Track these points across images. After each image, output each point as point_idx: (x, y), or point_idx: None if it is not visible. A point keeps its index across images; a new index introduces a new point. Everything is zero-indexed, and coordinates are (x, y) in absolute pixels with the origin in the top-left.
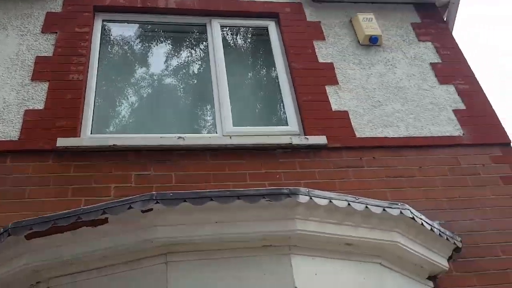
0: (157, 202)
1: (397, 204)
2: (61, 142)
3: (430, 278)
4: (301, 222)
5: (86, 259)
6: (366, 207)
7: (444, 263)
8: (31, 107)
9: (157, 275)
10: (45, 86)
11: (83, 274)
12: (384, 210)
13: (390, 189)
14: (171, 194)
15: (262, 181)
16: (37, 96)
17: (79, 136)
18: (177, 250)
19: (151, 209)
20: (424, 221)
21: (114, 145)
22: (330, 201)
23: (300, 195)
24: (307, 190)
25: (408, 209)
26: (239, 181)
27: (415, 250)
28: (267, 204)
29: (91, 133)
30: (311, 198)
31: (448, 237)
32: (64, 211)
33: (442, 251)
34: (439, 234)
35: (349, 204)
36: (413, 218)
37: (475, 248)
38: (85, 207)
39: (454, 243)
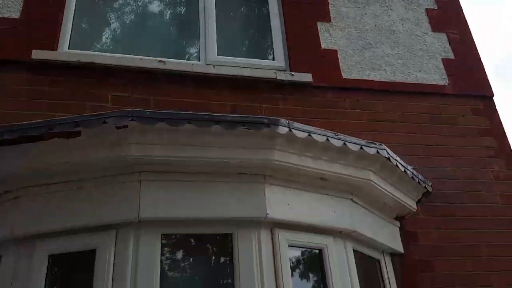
0: (132, 119)
1: (375, 143)
2: (37, 54)
3: (398, 218)
4: (279, 153)
5: (57, 171)
6: (344, 143)
7: (412, 205)
8: (6, 15)
9: (129, 193)
10: None
11: (54, 186)
12: (361, 148)
13: (369, 132)
14: (148, 112)
15: (243, 114)
16: (13, 4)
17: (56, 50)
18: (151, 169)
19: (126, 126)
20: (399, 162)
21: (92, 62)
22: (309, 135)
23: (279, 126)
24: (287, 122)
25: (385, 149)
26: (220, 112)
27: (387, 190)
28: (245, 132)
29: (68, 48)
30: (290, 130)
31: (420, 180)
32: (37, 121)
33: (412, 193)
34: (412, 176)
35: (327, 139)
36: (388, 159)
37: (444, 194)
38: (58, 118)
39: (425, 187)
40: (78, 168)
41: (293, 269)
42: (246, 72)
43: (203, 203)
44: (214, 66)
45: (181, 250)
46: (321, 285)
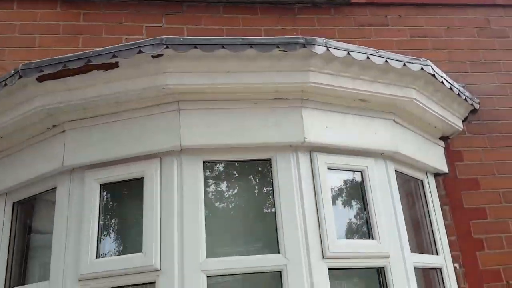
0: (167, 47)
1: (418, 59)
2: None
3: (443, 138)
4: (314, 75)
5: (98, 103)
6: (386, 61)
7: (458, 124)
8: None
9: (169, 122)
10: None
11: (97, 119)
12: (404, 65)
13: (412, 50)
14: (181, 39)
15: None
16: None
17: None
18: (189, 98)
19: (162, 55)
20: (445, 79)
21: None
22: (348, 53)
23: (316, 45)
24: (324, 41)
25: (430, 65)
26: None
27: (431, 108)
28: (281, 54)
29: None
30: (328, 49)
31: (466, 97)
32: (75, 53)
33: (458, 111)
34: (458, 93)
35: (368, 57)
36: (433, 75)
37: (492, 111)
38: (95, 49)
39: (472, 104)
40: (118, 99)
41: (333, 192)
42: None
43: (241, 130)
44: None
45: (223, 177)
46: (362, 206)
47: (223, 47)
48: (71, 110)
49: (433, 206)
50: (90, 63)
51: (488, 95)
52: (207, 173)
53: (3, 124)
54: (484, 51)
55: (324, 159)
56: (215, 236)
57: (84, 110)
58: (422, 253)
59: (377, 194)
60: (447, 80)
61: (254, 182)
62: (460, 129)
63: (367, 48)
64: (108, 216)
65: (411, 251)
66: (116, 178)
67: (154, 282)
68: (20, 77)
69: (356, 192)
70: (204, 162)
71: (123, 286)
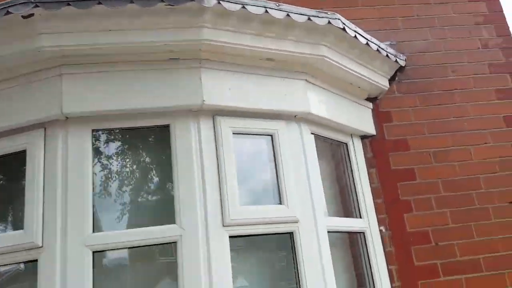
0: (36, 6)
1: (326, 13)
2: None
3: (371, 99)
4: (211, 31)
5: None
6: (288, 15)
7: (384, 83)
8: None
9: (51, 89)
10: None
11: None
12: (309, 19)
13: (339, 8)
14: None
15: None
16: None
17: None
18: (71, 62)
19: (33, 14)
20: (359, 33)
21: None
22: (244, 7)
23: None
24: None
25: (339, 19)
26: None
27: (347, 66)
28: (167, 9)
29: None
30: (219, 2)
31: (389, 54)
32: None
33: (383, 70)
34: (378, 50)
35: (266, 11)
36: (343, 29)
37: (424, 68)
38: None
39: (396, 61)
40: None
41: (242, 158)
42: None
43: (133, 94)
44: None
45: (117, 147)
46: (274, 172)
47: (99, 3)
48: None
49: (358, 169)
50: None
51: (421, 52)
52: (98, 144)
53: None
54: (418, 5)
55: (229, 123)
56: (107, 211)
57: None
58: (348, 217)
59: (287, 159)
60: (362, 35)
61: (152, 151)
62: (386, 89)
63: (267, 1)
64: None
65: (335, 215)
66: (2, 152)
67: (36, 260)
68: None
69: (267, 157)
70: (93, 131)
71: (7, 265)
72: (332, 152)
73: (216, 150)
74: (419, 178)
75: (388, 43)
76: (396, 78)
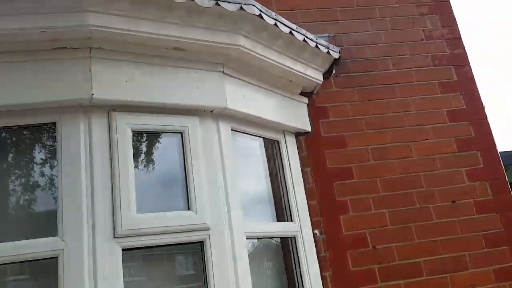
0: None
1: None
2: None
3: (306, 94)
4: (99, 16)
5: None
6: None
7: (317, 77)
8: None
9: None
10: None
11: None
12: (217, 4)
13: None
14: None
15: None
16: None
17: None
18: None
19: None
20: (280, 21)
21: None
22: None
23: None
24: None
25: (253, 5)
26: None
27: (272, 58)
28: None
29: None
30: None
31: (318, 45)
32: None
33: (314, 62)
34: (304, 40)
35: None
36: (260, 16)
37: (364, 61)
38: None
39: (329, 53)
40: None
41: (144, 158)
42: None
43: (15, 88)
44: None
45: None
46: (183, 174)
47: None
48: None
49: (290, 169)
50: None
51: (361, 44)
52: None
53: None
54: None
55: (127, 119)
56: None
57: None
58: (280, 221)
59: (199, 159)
60: (284, 24)
61: (36, 151)
62: (321, 83)
63: None
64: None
65: (265, 219)
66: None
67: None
68: None
69: (175, 158)
70: None
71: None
72: (265, 150)
73: (110, 151)
74: (357, 177)
75: (326, 35)
76: (334, 72)
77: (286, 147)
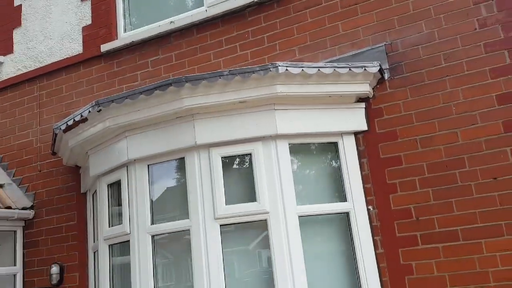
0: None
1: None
2: (104, 47)
3: (364, 99)
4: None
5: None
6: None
7: (363, 89)
8: (84, 24)
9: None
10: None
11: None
12: (255, 72)
13: (341, 21)
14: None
15: None
16: (86, 14)
17: (116, 39)
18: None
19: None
20: (305, 67)
21: (132, 42)
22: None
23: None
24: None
25: (280, 66)
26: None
27: (307, 90)
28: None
29: (124, 31)
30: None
31: (352, 68)
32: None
33: (357, 79)
34: (334, 70)
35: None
36: (287, 70)
37: (416, 62)
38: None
39: (365, 69)
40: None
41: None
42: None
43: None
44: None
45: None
46: (251, 177)
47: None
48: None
49: (346, 162)
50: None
51: (415, 45)
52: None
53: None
54: (413, 0)
55: (218, 151)
56: None
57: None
58: (336, 202)
59: (262, 169)
60: (310, 67)
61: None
62: (368, 92)
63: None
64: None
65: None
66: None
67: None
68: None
69: (249, 170)
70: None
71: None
72: (324, 151)
73: (210, 171)
74: (405, 163)
75: (383, 44)
76: (388, 77)
77: (343, 145)
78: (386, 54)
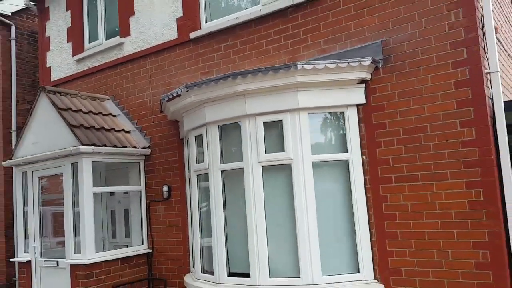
0: (239, 75)
1: (288, 64)
2: (192, 34)
3: (365, 81)
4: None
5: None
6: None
7: (361, 76)
8: (178, 16)
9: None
10: None
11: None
12: (279, 68)
13: (353, 21)
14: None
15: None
16: (179, 8)
17: (200, 28)
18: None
19: (236, 77)
20: (316, 64)
21: (210, 31)
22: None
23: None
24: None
25: (297, 64)
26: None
27: (322, 79)
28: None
29: (205, 22)
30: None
31: (351, 62)
32: (205, 78)
33: (355, 70)
34: (337, 65)
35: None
36: (303, 67)
37: (402, 54)
38: (211, 77)
39: (360, 62)
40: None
41: (265, 133)
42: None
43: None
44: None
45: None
46: (281, 136)
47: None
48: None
49: (349, 125)
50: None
51: (402, 42)
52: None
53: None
54: (404, 7)
55: (260, 118)
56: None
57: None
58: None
59: (288, 130)
60: (320, 64)
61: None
62: (364, 77)
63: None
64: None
65: (334, 153)
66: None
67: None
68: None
69: (281, 132)
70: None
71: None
72: (335, 118)
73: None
74: (388, 127)
75: (380, 40)
76: (381, 65)
77: (348, 113)
78: (382, 48)
